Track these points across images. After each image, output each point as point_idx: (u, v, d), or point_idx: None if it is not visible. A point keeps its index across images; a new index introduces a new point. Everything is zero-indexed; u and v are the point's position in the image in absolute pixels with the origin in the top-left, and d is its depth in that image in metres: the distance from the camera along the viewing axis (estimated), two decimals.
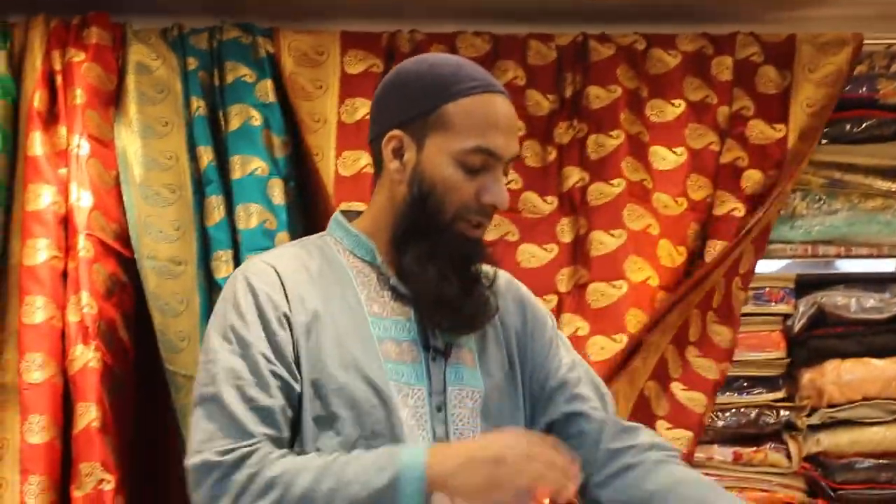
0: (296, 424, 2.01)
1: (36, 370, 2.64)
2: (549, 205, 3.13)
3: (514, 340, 2.21)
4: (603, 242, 3.07)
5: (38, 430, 2.61)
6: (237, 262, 2.82)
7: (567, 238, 3.10)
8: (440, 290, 2.04)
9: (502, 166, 2.03)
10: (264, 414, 1.92)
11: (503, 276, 2.27)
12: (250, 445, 1.89)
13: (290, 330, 1.98)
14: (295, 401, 1.97)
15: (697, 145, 3.17)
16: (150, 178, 2.83)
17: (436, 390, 2.04)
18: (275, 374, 1.94)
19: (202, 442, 1.92)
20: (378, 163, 2.08)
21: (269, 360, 1.95)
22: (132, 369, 2.79)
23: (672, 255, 3.08)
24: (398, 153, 2.05)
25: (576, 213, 3.12)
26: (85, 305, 2.66)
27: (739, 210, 3.11)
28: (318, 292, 2.04)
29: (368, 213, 2.13)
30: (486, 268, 2.15)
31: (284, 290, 2.01)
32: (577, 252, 3.11)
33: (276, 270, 2.03)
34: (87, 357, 2.64)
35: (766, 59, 3.20)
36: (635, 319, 3.03)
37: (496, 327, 2.19)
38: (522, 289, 2.31)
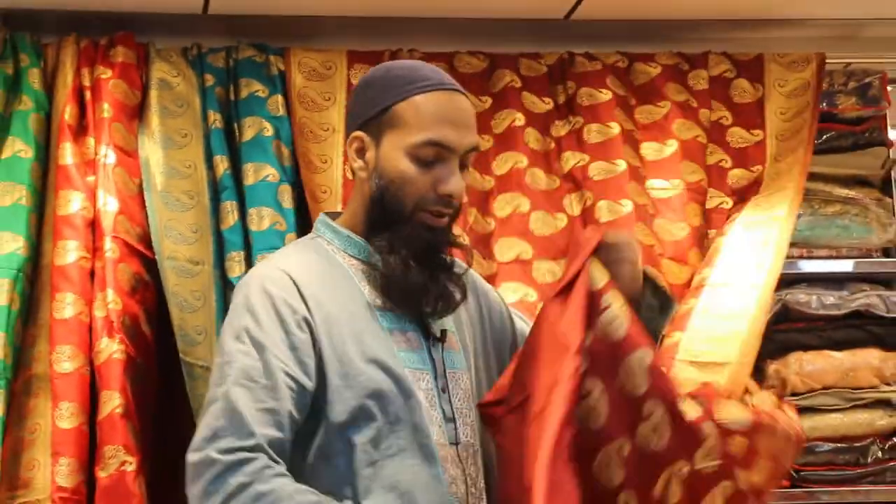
0: (312, 424, 1.98)
1: (65, 361, 2.66)
2: (553, 182, 3.14)
3: (480, 323, 2.23)
4: (611, 210, 3.08)
5: (67, 416, 2.64)
6: (249, 262, 2.84)
7: (575, 211, 3.12)
8: (405, 279, 2.03)
9: (457, 158, 2.03)
10: (270, 416, 1.89)
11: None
12: (251, 450, 1.85)
13: (311, 332, 1.97)
14: (307, 401, 1.95)
15: (686, 136, 3.20)
16: (170, 186, 2.86)
17: (439, 373, 2.07)
18: (288, 375, 1.91)
19: (205, 439, 1.88)
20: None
21: (282, 363, 1.92)
22: (153, 361, 2.80)
23: (671, 231, 3.13)
24: (361, 153, 2.07)
25: (580, 188, 3.13)
26: (110, 302, 2.70)
27: (727, 203, 3.17)
28: (328, 292, 2.03)
29: (347, 211, 2.14)
30: (458, 260, 2.15)
31: (301, 293, 2.00)
32: (586, 222, 3.10)
33: (289, 276, 2.02)
34: (111, 349, 2.67)
35: (738, 74, 3.28)
36: None
37: (469, 314, 2.20)
38: (477, 278, 2.33)
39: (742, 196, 3.20)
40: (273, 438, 1.87)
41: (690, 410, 1.93)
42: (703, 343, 2.92)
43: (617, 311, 1.91)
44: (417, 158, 2.01)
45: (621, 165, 3.10)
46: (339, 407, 1.95)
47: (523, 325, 2.29)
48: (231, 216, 2.88)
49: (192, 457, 1.88)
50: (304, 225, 2.93)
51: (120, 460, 2.61)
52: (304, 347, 1.95)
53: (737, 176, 3.22)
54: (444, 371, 2.07)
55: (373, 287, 2.06)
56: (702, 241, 3.16)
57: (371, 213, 2.09)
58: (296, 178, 2.98)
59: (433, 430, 1.99)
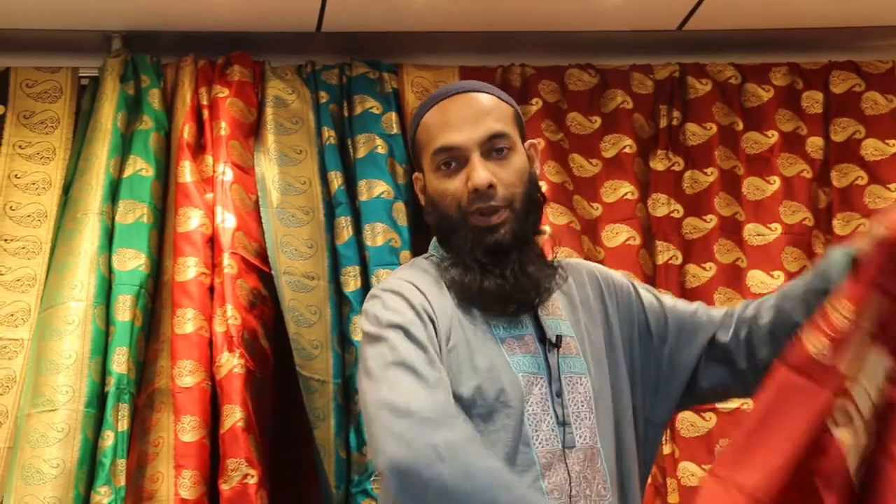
0: None
1: (187, 375, 2.71)
2: (647, 221, 3.15)
3: (605, 320, 2.21)
4: (695, 276, 3.10)
5: (189, 430, 2.68)
6: (365, 277, 2.89)
7: (658, 260, 3.14)
8: (480, 284, 2.06)
9: (474, 153, 2.06)
10: (442, 386, 1.93)
11: (576, 263, 2.29)
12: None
13: (435, 330, 2.01)
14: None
15: (789, 173, 3.17)
16: (286, 202, 2.89)
17: (554, 377, 2.07)
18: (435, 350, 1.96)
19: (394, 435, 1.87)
20: None
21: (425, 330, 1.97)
22: (272, 375, 2.84)
23: (765, 281, 3.09)
24: (423, 190, 2.17)
25: (667, 240, 3.15)
26: (230, 317, 2.74)
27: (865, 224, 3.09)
28: (446, 303, 2.08)
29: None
30: (546, 252, 2.15)
31: (426, 297, 2.05)
32: (668, 281, 3.12)
33: (414, 285, 2.07)
34: (232, 364, 2.71)
35: (868, 87, 3.20)
36: None
37: (579, 311, 2.19)
38: (595, 267, 2.30)
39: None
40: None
41: None
42: None
43: None
44: (439, 169, 2.08)
45: (711, 222, 3.11)
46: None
47: (651, 297, 2.26)
48: (346, 232, 2.91)
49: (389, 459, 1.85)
50: (418, 243, 2.95)
51: (242, 473, 2.65)
52: (433, 339, 1.99)
53: (873, 194, 3.16)
54: (560, 375, 2.08)
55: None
56: None
57: (438, 237, 2.16)
58: (410, 196, 2.99)
59: (539, 436, 2.01)
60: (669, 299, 2.28)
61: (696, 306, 2.25)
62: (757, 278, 3.12)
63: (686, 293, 3.10)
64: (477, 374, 2.03)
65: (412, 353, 1.96)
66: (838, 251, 2.02)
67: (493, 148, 2.07)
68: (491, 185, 2.04)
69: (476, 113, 2.07)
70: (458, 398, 2.00)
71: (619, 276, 2.31)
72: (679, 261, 3.14)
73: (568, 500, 2.02)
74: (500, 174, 2.05)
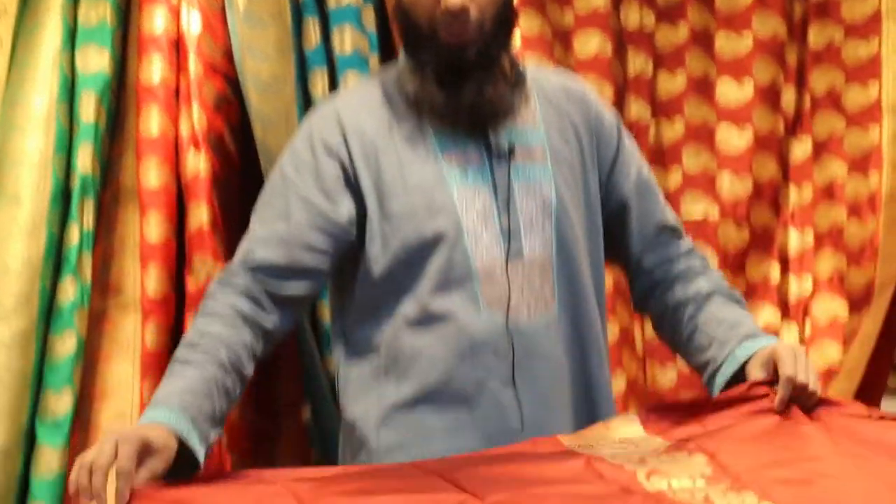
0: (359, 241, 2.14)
1: (152, 173, 2.74)
2: None
3: (581, 137, 2.26)
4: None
5: (155, 227, 2.73)
6: (333, 79, 2.89)
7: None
8: (430, 97, 2.13)
9: None
10: (276, 238, 2.11)
11: (557, 82, 2.31)
12: (236, 272, 2.10)
13: (342, 162, 2.13)
14: (334, 226, 2.11)
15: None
16: (252, 4, 2.85)
17: (500, 187, 2.13)
18: (305, 200, 2.10)
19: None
20: None
21: (301, 190, 2.12)
22: (238, 175, 2.86)
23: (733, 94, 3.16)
24: None
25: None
26: (196, 118, 2.76)
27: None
28: (377, 122, 2.17)
29: None
30: (513, 73, 2.18)
31: (342, 127, 2.15)
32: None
33: (336, 111, 2.19)
34: (198, 163, 2.74)
35: None
36: None
37: (565, 125, 2.24)
38: (585, 91, 2.34)
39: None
40: (266, 262, 2.08)
41: None
42: None
43: None
44: None
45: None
46: (373, 225, 2.12)
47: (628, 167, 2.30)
48: (313, 36, 2.91)
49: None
50: (385, 50, 2.96)
51: (208, 269, 2.69)
52: (329, 177, 2.11)
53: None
54: (509, 185, 2.12)
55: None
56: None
57: (404, 44, 2.19)
58: (379, 1, 2.97)
59: (479, 248, 2.09)
60: (650, 206, 2.30)
61: (661, 222, 2.28)
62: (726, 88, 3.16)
63: (657, 105, 3.22)
64: (407, 191, 2.11)
65: (257, 226, 2.15)
66: (747, 349, 2.07)
67: None
68: (463, 6, 2.05)
69: None
70: (389, 215, 2.12)
71: (610, 118, 2.33)
72: (650, 71, 3.21)
73: (506, 309, 2.09)
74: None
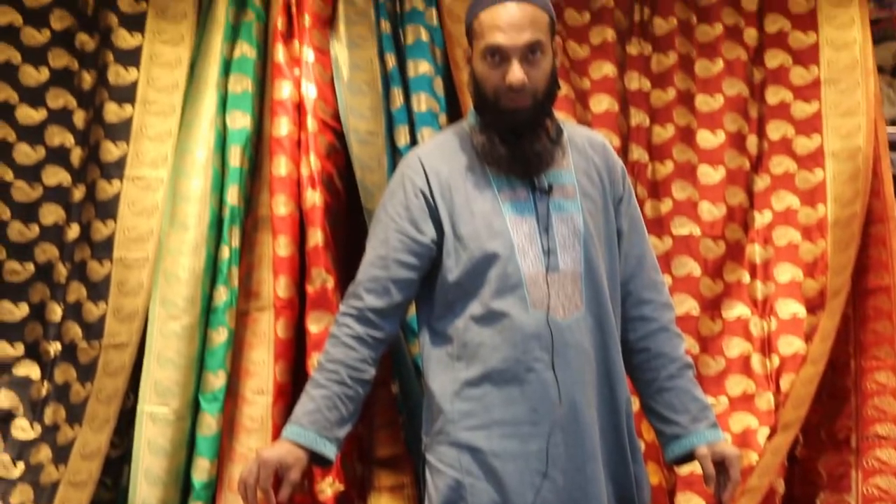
0: (434, 263, 2.33)
1: (282, 206, 3.02)
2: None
3: (603, 178, 2.43)
4: (658, 135, 3.39)
5: (283, 247, 3.00)
6: (412, 133, 3.15)
7: (632, 123, 3.41)
8: (492, 151, 2.30)
9: (516, 55, 2.25)
10: (376, 284, 2.30)
11: (583, 135, 2.47)
12: (352, 314, 2.29)
13: (425, 197, 2.31)
14: (422, 249, 2.30)
15: (730, 56, 3.41)
16: (353, 77, 3.15)
17: (541, 216, 2.30)
18: (399, 231, 2.29)
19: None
20: None
21: (395, 221, 2.29)
22: (344, 206, 3.12)
23: (710, 140, 3.37)
24: (469, 61, 2.37)
25: (640, 109, 3.40)
26: (312, 163, 3.03)
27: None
28: (451, 165, 2.34)
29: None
30: (554, 129, 2.34)
31: (424, 169, 2.34)
32: (639, 138, 3.39)
33: (419, 158, 2.37)
34: (314, 198, 3.01)
35: None
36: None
37: (590, 169, 2.40)
38: (605, 144, 2.49)
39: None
40: (374, 307, 2.30)
41: None
42: None
43: None
44: (486, 59, 2.29)
45: (671, 94, 3.38)
46: (448, 242, 2.32)
47: (627, 218, 2.48)
48: (398, 100, 3.18)
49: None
50: (451, 109, 3.22)
51: (322, 279, 2.97)
52: (415, 209, 2.32)
53: (797, 73, 3.38)
54: (549, 214, 2.31)
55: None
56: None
57: (475, 106, 2.38)
58: (446, 73, 3.27)
59: (527, 261, 2.27)
60: (636, 240, 2.48)
61: (643, 283, 2.46)
62: (704, 136, 3.40)
63: (653, 149, 3.43)
64: (473, 219, 2.30)
65: (365, 272, 2.32)
66: (708, 436, 2.35)
67: (530, 52, 2.28)
68: (523, 84, 2.26)
69: (521, 22, 2.25)
70: (460, 236, 2.29)
71: (621, 167, 2.51)
72: (647, 123, 3.44)
73: (546, 309, 2.26)
74: (531, 74, 2.28)
